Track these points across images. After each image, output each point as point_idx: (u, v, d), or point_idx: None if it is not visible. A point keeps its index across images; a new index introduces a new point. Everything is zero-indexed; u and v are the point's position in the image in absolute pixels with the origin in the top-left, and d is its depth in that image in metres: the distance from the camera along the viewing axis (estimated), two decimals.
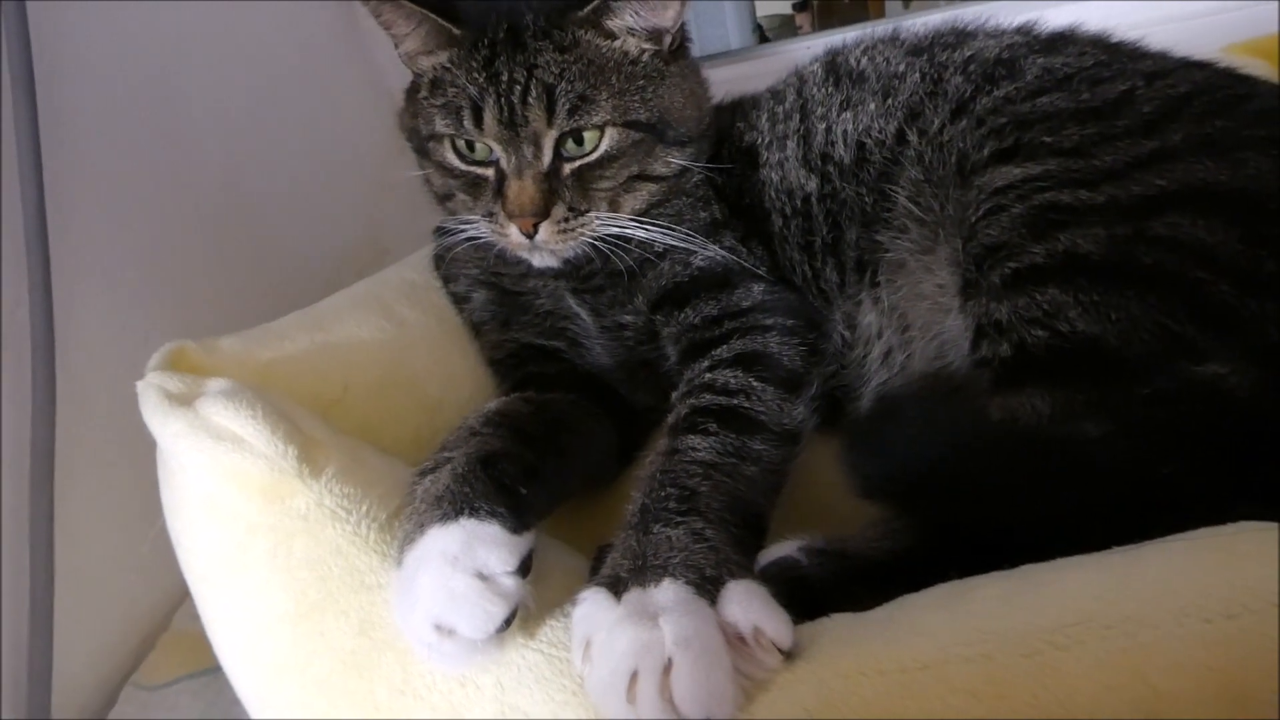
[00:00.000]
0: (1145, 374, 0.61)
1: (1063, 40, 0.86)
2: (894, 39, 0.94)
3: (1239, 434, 0.57)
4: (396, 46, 0.88)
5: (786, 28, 2.56)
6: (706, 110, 0.92)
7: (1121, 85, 0.76)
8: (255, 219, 1.26)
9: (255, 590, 0.60)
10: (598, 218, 0.82)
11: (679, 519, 0.59)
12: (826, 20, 2.47)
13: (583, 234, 0.82)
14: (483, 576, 0.55)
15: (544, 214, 0.79)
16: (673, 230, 0.83)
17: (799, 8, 2.67)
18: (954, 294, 0.75)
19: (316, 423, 0.66)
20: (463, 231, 0.87)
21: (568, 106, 0.78)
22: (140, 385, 0.64)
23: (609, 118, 0.80)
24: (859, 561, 0.62)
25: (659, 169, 0.85)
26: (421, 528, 0.57)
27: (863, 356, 0.84)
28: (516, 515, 0.58)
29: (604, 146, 0.81)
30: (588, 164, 0.81)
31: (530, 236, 0.80)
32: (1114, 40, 0.88)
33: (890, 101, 0.85)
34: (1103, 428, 0.60)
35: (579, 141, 0.81)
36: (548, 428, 0.74)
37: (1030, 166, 0.72)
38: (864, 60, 0.92)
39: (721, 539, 0.58)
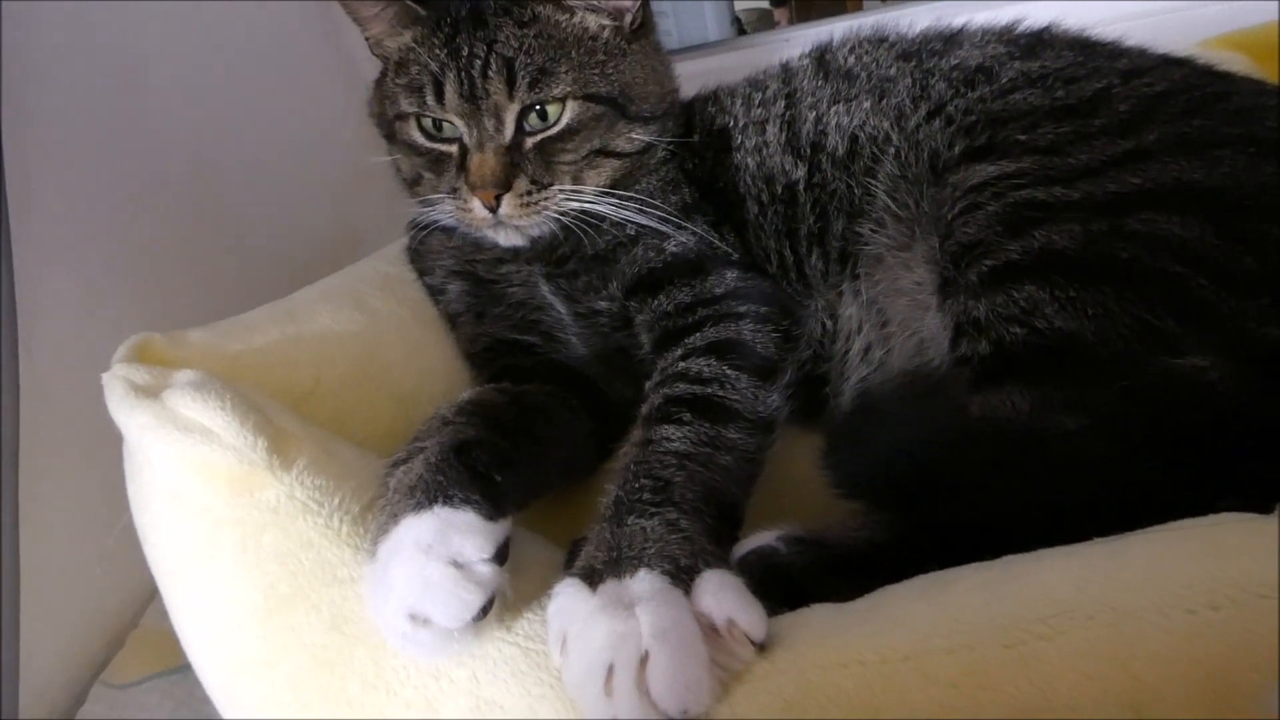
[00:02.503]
0: (1123, 368, 0.61)
1: (1041, 44, 0.87)
2: (882, 39, 0.95)
3: (1218, 426, 0.57)
4: (365, 32, 0.88)
5: (764, 21, 2.56)
6: (670, 89, 0.93)
7: (1097, 84, 0.77)
8: (226, 210, 1.24)
9: (223, 585, 0.58)
10: (561, 191, 0.82)
11: (653, 510, 0.58)
12: (804, 15, 2.46)
13: (546, 208, 0.82)
14: (458, 564, 0.54)
15: (505, 186, 0.80)
16: (641, 209, 0.82)
17: (777, 3, 2.67)
18: (932, 292, 0.75)
19: (287, 414, 0.65)
20: (431, 214, 0.87)
21: (528, 79, 0.79)
22: (106, 377, 0.62)
23: (569, 90, 0.81)
24: (839, 551, 0.62)
25: (621, 144, 0.85)
26: (395, 518, 0.56)
27: (844, 351, 0.84)
28: (491, 502, 0.57)
29: (565, 119, 0.82)
30: (549, 137, 0.82)
31: (493, 210, 0.80)
32: (1092, 39, 0.88)
33: (885, 103, 0.86)
34: (1081, 422, 0.60)
35: (542, 116, 0.81)
36: (522, 417, 0.73)
37: (1005, 164, 0.73)
38: (852, 58, 0.93)
39: (696, 529, 0.58)
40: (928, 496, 0.62)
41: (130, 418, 0.59)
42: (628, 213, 0.82)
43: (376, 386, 0.84)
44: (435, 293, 0.96)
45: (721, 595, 0.51)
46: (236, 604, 0.58)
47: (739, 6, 2.14)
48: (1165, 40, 0.88)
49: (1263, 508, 0.51)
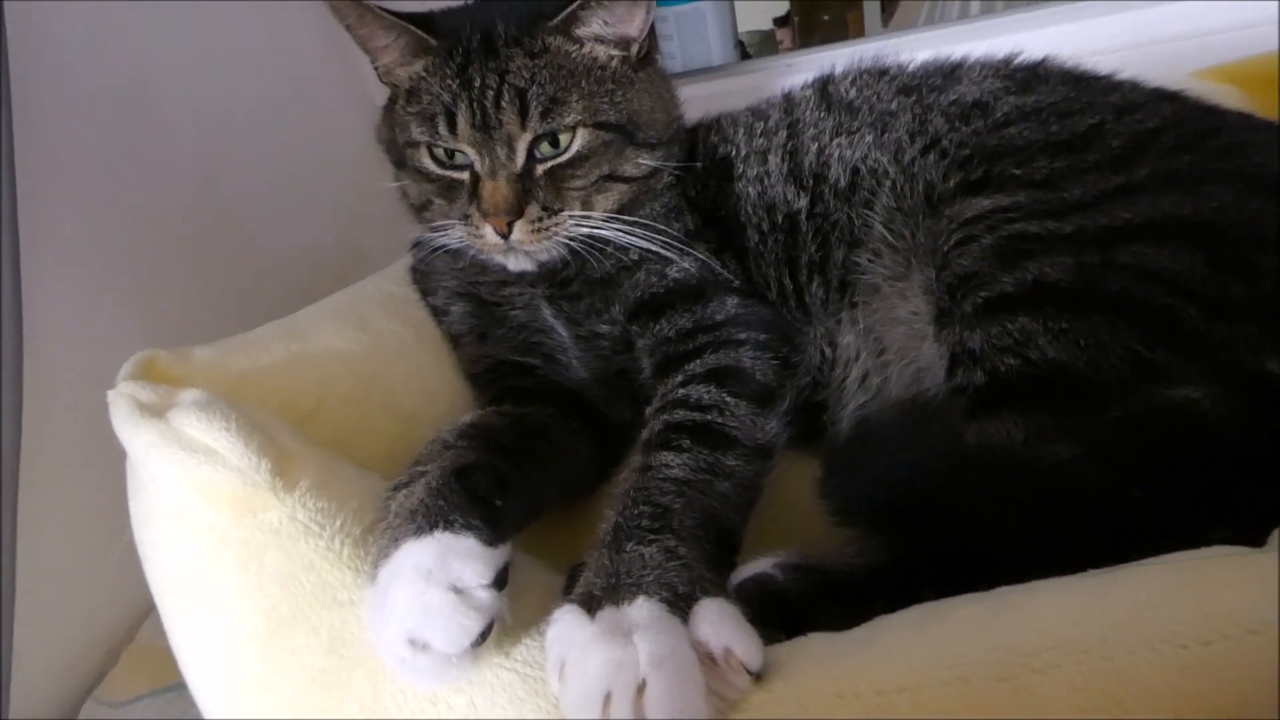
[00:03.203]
0: (1116, 398, 0.62)
1: (1036, 78, 0.89)
2: (883, 72, 0.96)
3: (1211, 456, 0.58)
4: (374, 62, 0.89)
5: (768, 44, 2.59)
6: (675, 115, 0.94)
7: (1091, 119, 0.79)
8: (233, 226, 1.25)
9: (224, 605, 0.59)
10: (571, 216, 0.83)
11: (652, 536, 0.59)
12: (807, 37, 2.50)
13: (557, 233, 0.83)
14: (457, 590, 0.54)
15: (518, 213, 0.81)
16: (647, 234, 0.84)
17: (780, 23, 2.70)
18: (928, 321, 0.76)
19: (291, 435, 0.65)
20: (440, 239, 0.88)
21: (540, 109, 0.81)
22: (111, 395, 0.63)
23: (580, 118, 0.82)
24: (836, 577, 0.62)
25: (629, 170, 0.87)
26: (396, 542, 0.57)
27: (842, 378, 0.85)
28: (492, 527, 0.58)
29: (576, 147, 0.83)
30: (560, 164, 0.83)
31: (505, 236, 0.82)
32: (1085, 73, 0.90)
33: (886, 137, 0.88)
34: (1075, 451, 0.60)
35: (554, 143, 0.83)
36: (523, 440, 0.73)
37: (1000, 198, 0.74)
38: (853, 91, 0.95)
39: (694, 556, 0.58)
40: (924, 524, 0.63)
41: (135, 436, 0.60)
42: (634, 237, 0.84)
43: (379, 406, 0.85)
44: (438, 313, 0.97)
45: (719, 624, 0.51)
46: (237, 625, 0.58)
47: (742, 29, 2.17)
48: (1159, 72, 0.90)
49: (1254, 539, 0.52)
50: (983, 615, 0.49)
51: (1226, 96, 0.99)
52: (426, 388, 0.90)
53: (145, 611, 0.95)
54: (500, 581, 0.56)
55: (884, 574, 0.61)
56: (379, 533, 0.60)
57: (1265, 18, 1.24)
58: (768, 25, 2.71)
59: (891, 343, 0.82)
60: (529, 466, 0.70)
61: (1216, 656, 0.41)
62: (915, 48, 1.02)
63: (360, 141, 1.02)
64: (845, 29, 2.34)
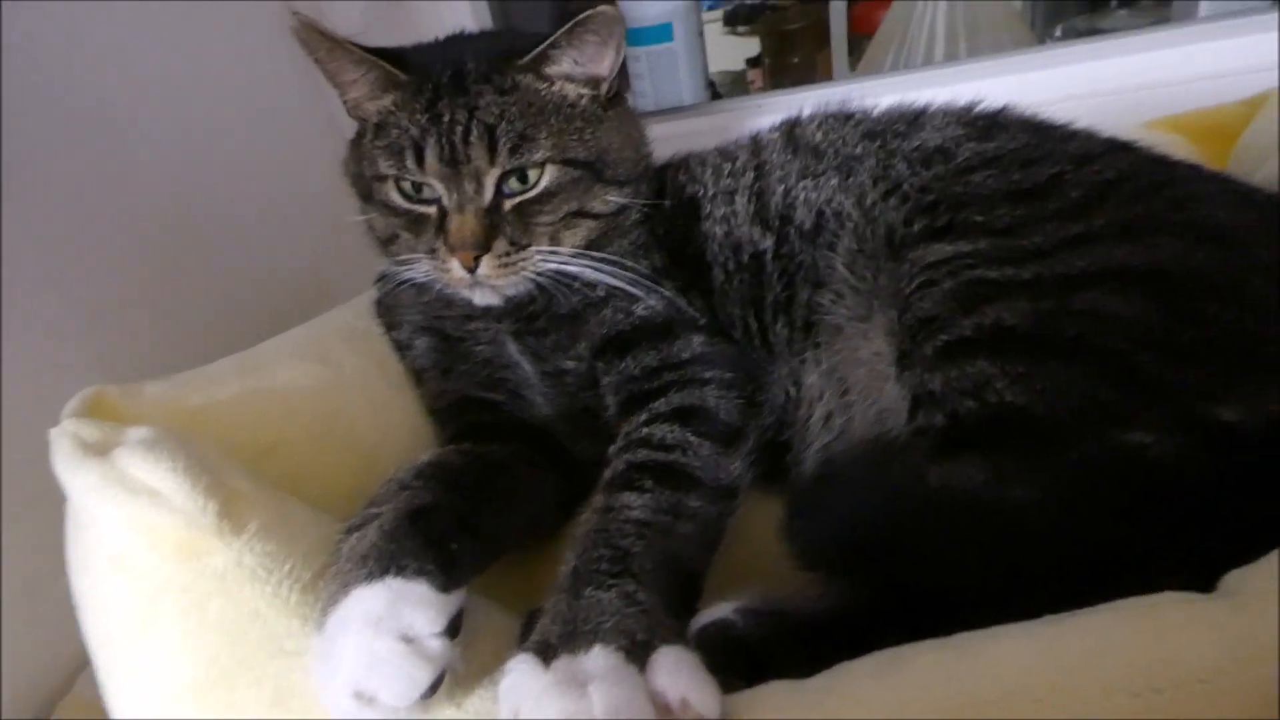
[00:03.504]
0: (1072, 441, 0.63)
1: (997, 126, 0.91)
2: (848, 117, 0.98)
3: (1162, 501, 0.58)
4: (343, 95, 0.89)
5: (739, 85, 2.64)
6: (644, 154, 0.95)
7: (1051, 168, 0.80)
8: (198, 257, 1.23)
9: (162, 655, 0.56)
10: (538, 252, 0.83)
11: (611, 581, 0.58)
12: (778, 78, 2.55)
13: (524, 268, 0.83)
14: (408, 639, 0.52)
15: (485, 248, 0.81)
16: (614, 270, 0.84)
17: (752, 64, 2.76)
18: (890, 363, 0.77)
19: (243, 475, 0.63)
20: (405, 272, 0.87)
21: (509, 145, 0.81)
22: (54, 432, 0.61)
23: (549, 155, 0.82)
24: (797, 622, 0.61)
25: (597, 206, 0.87)
26: (345, 588, 0.55)
27: (806, 418, 0.85)
28: (446, 572, 0.56)
29: (544, 183, 0.83)
30: (528, 200, 0.83)
31: (471, 271, 0.81)
32: (1044, 122, 0.92)
33: (850, 181, 0.89)
34: (1033, 495, 0.61)
35: (522, 179, 0.83)
36: (484, 479, 0.72)
37: (962, 244, 0.75)
38: (819, 135, 0.96)
39: (654, 602, 0.57)
40: (886, 566, 0.63)
41: (75, 477, 0.57)
42: (601, 273, 0.84)
43: (339, 443, 0.83)
44: (402, 347, 0.96)
45: (676, 674, 0.50)
46: (174, 676, 0.56)
47: (714, 69, 2.21)
48: (1113, 121, 0.93)
49: (1204, 585, 0.52)
50: (943, 662, 0.48)
51: (1175, 146, 1.02)
52: (388, 423, 0.89)
53: (83, 662, 0.91)
54: (454, 629, 0.55)
55: (846, 618, 0.61)
56: (329, 577, 0.58)
57: (1212, 72, 1.29)
58: (739, 66, 2.77)
59: (855, 383, 0.82)
60: (488, 507, 0.69)
61: (1168, 704, 0.41)
62: (881, 92, 1.04)
63: (329, 173, 1.02)
64: (815, 71, 2.39)
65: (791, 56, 2.52)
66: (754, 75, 2.70)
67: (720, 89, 2.29)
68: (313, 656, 0.55)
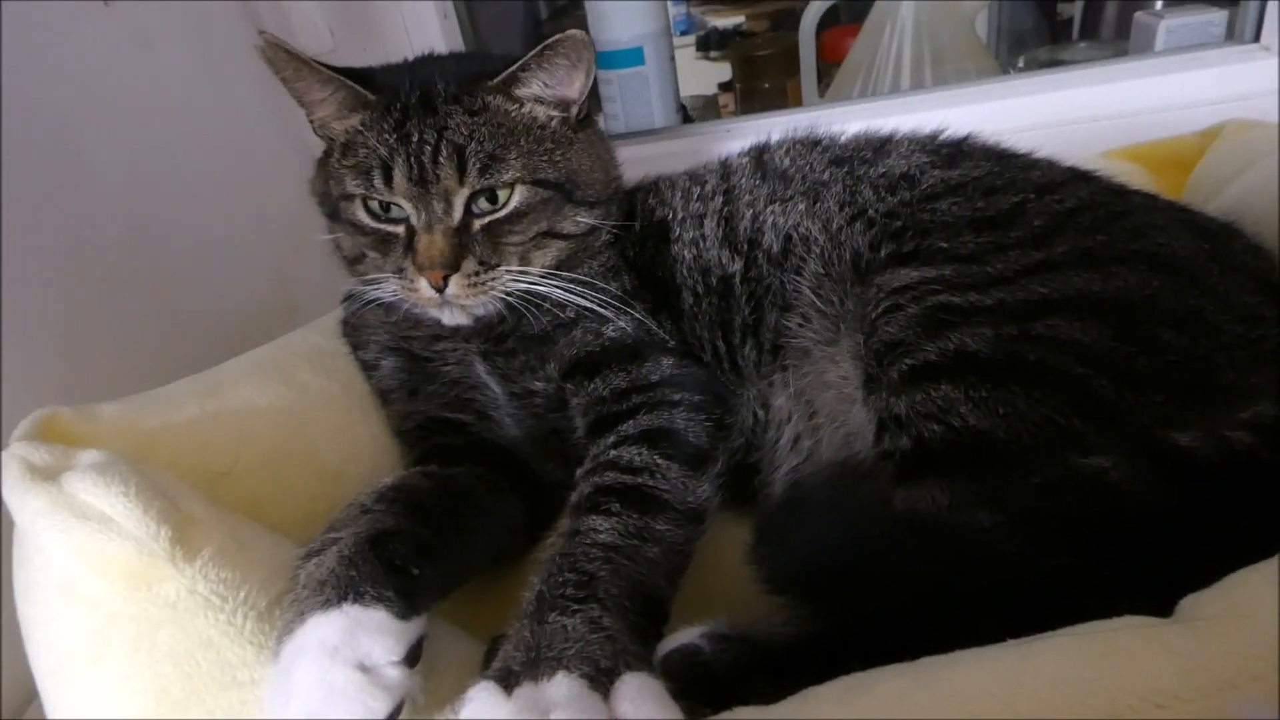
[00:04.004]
0: (1033, 465, 0.63)
1: (961, 154, 0.92)
2: (816, 143, 0.99)
3: (1121, 525, 0.59)
4: (310, 114, 0.88)
5: (710, 108, 2.67)
6: (614, 176, 0.96)
7: (1014, 197, 0.82)
8: (157, 275, 1.20)
9: (111, 687, 0.54)
10: (508, 272, 0.83)
11: (576, 606, 0.57)
12: (749, 103, 2.59)
13: (493, 288, 0.82)
14: (364, 668, 0.51)
15: (453, 267, 0.80)
16: (584, 290, 0.84)
17: (724, 88, 2.80)
18: (857, 386, 0.77)
19: (198, 499, 0.62)
20: (372, 292, 0.86)
21: (478, 165, 0.80)
22: (4, 456, 0.59)
23: (518, 175, 0.82)
24: (763, 648, 0.61)
25: (567, 227, 0.87)
26: (302, 616, 0.54)
27: (774, 440, 0.85)
28: (406, 599, 0.55)
29: (514, 203, 0.83)
30: (498, 219, 0.83)
31: (440, 290, 0.80)
32: (1007, 151, 0.94)
33: (818, 206, 0.90)
34: (995, 518, 0.61)
35: (491, 199, 0.83)
36: (448, 502, 0.71)
37: (927, 270, 0.76)
38: (787, 160, 0.97)
39: (619, 627, 0.57)
40: (852, 592, 0.62)
41: (23, 502, 0.56)
42: (571, 294, 0.83)
43: (300, 466, 0.82)
44: (368, 368, 0.95)
45: (639, 701, 0.50)
46: (124, 709, 0.54)
47: (687, 94, 2.23)
48: (1073, 150, 0.95)
49: (1162, 610, 0.52)
50: (906, 689, 0.48)
51: (1133, 176, 1.05)
52: (352, 445, 0.87)
53: (30, 695, 0.87)
54: (413, 657, 0.54)
55: (812, 644, 0.60)
56: (285, 605, 0.57)
57: (1168, 104, 1.32)
58: (711, 90, 2.80)
59: (822, 406, 0.83)
60: (453, 531, 0.68)
61: None
62: (848, 118, 1.06)
63: (294, 192, 1.01)
64: (785, 96, 2.42)
65: (762, 82, 2.55)
66: (725, 99, 2.73)
67: (692, 113, 2.31)
68: (267, 687, 0.53)
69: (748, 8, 3.11)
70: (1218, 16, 1.44)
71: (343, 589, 0.55)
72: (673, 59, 1.73)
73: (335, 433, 0.87)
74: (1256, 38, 1.36)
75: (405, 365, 0.92)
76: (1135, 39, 1.57)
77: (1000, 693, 0.45)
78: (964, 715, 0.44)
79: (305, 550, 0.62)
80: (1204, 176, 1.05)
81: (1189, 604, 0.50)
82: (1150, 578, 0.56)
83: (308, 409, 0.86)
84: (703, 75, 2.88)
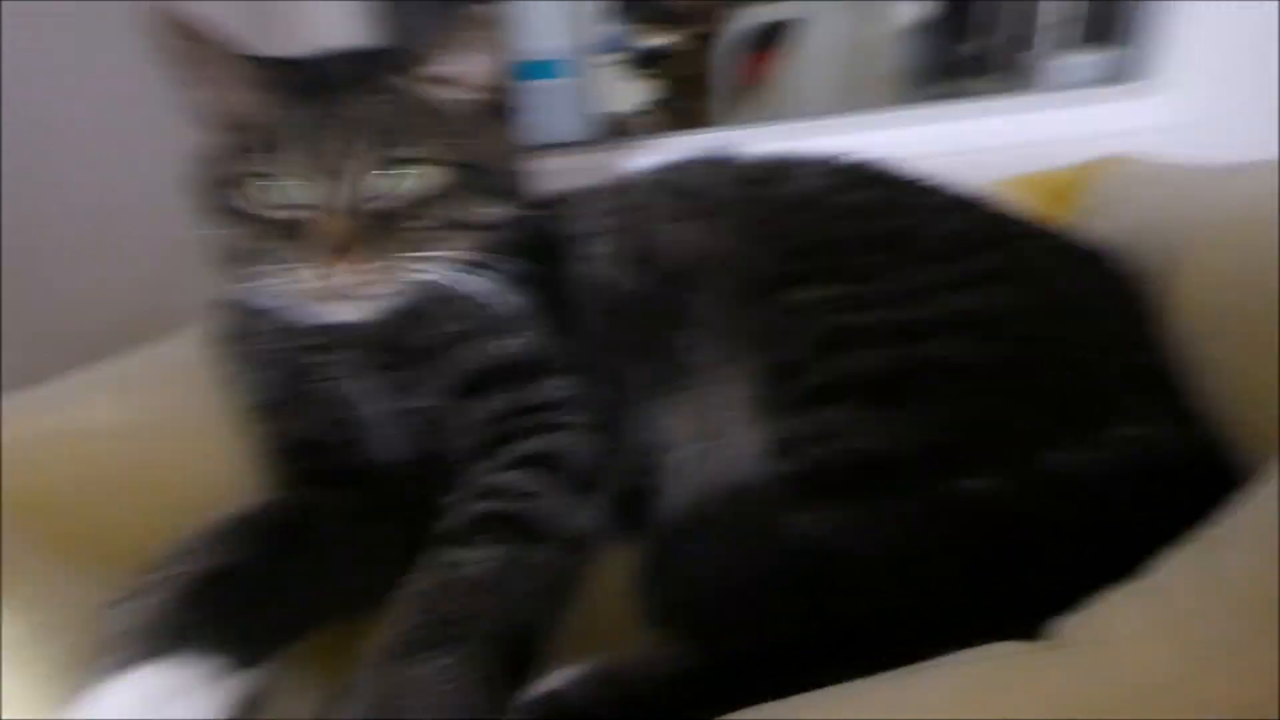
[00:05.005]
0: (918, 488, 0.63)
1: (861, 179, 0.93)
2: (724, 163, 0.98)
3: (995, 547, 0.59)
4: (194, 94, 0.81)
5: (634, 126, 2.66)
6: (523, 171, 0.91)
7: (905, 220, 0.83)
8: (19, 271, 1.10)
9: None
10: (409, 260, 0.77)
11: (428, 654, 0.52)
12: (673, 121, 2.58)
13: (391, 277, 0.76)
14: None
15: (349, 251, 0.73)
16: (489, 289, 0.79)
17: (650, 105, 2.80)
18: (753, 408, 0.75)
19: (7, 536, 0.54)
20: (251, 293, 0.80)
21: (379, 142, 0.75)
22: None
23: (420, 154, 0.77)
24: (635, 688, 0.58)
25: (472, 218, 0.82)
26: (102, 676, 0.47)
27: (669, 463, 0.83)
28: (242, 648, 0.50)
29: (417, 185, 0.77)
30: (399, 204, 0.77)
31: (332, 279, 0.74)
32: (901, 176, 0.95)
33: (718, 224, 0.88)
34: (874, 543, 0.60)
35: (391, 181, 0.77)
36: (308, 533, 0.66)
37: (820, 290, 0.76)
38: (692, 179, 0.96)
39: (478, 678, 0.53)
40: (734, 622, 0.61)
41: None
42: (475, 289, 0.79)
43: (149, 492, 0.74)
44: (237, 382, 0.88)
45: None
46: None
47: (610, 110, 2.21)
48: (969, 177, 0.96)
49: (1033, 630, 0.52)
50: None
51: (1021, 205, 1.07)
52: (210, 471, 0.80)
53: None
54: (249, 714, 0.48)
55: (690, 682, 0.58)
56: (92, 660, 0.50)
57: (1062, 137, 1.37)
58: (626, 109, 2.79)
59: (718, 428, 0.80)
60: (312, 566, 0.63)
61: None
62: (765, 140, 1.06)
63: (174, 189, 0.92)
64: (705, 117, 2.43)
65: (687, 101, 2.56)
66: (650, 119, 2.73)
67: (615, 129, 2.29)
68: None
69: (677, 29, 3.13)
70: (1106, 56, 1.51)
71: (155, 641, 0.48)
72: (590, 72, 1.71)
73: (194, 456, 0.80)
74: (1141, 77, 1.42)
75: (277, 379, 0.86)
76: (1028, 75, 1.63)
77: None
78: None
79: (114, 598, 0.55)
80: (1085, 207, 1.09)
81: (1059, 627, 0.49)
82: (1019, 600, 0.56)
83: (159, 430, 0.79)
84: (629, 93, 2.87)
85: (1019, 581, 0.57)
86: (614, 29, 3.16)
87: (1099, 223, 0.98)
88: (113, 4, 1.20)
